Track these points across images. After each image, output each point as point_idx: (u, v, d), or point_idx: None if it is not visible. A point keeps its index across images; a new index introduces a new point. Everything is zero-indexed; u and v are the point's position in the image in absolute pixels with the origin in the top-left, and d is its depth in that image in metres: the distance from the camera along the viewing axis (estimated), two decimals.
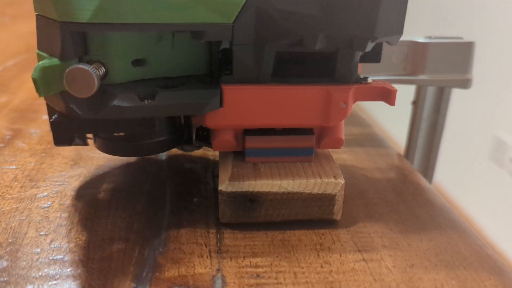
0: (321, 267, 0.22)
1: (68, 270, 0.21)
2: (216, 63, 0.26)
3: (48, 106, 0.25)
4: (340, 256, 0.23)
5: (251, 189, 0.24)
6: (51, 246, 0.23)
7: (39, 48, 0.23)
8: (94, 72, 0.21)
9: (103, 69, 0.22)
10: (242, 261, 0.23)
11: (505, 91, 1.28)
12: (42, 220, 0.25)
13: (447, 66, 0.35)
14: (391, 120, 1.85)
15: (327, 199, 0.25)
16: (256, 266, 0.22)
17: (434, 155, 0.43)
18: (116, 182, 0.30)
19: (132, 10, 0.21)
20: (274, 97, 0.24)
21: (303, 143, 0.26)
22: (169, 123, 0.26)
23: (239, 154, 0.27)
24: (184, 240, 0.24)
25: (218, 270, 0.22)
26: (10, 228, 0.24)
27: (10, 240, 0.23)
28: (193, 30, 0.22)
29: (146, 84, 0.24)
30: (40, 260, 0.22)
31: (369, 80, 0.25)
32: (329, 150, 0.28)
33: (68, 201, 0.27)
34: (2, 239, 0.23)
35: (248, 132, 0.26)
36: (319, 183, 0.25)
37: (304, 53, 0.25)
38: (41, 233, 0.24)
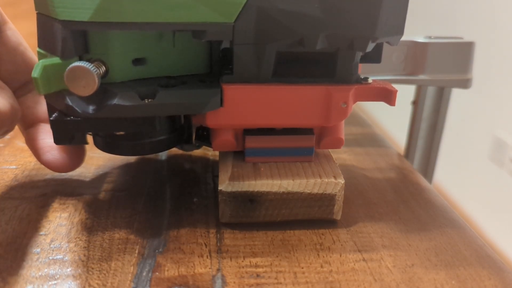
0: (321, 267, 0.22)
1: (68, 270, 0.21)
2: (217, 63, 0.26)
3: (48, 104, 0.25)
4: (340, 256, 0.23)
5: (251, 189, 0.24)
6: (51, 246, 0.23)
7: (39, 46, 0.23)
8: (94, 70, 0.21)
9: (103, 68, 0.22)
10: (242, 261, 0.23)
11: (505, 91, 1.28)
12: (42, 220, 0.25)
13: (447, 66, 0.35)
14: (391, 120, 1.85)
15: (327, 199, 0.25)
16: (256, 266, 0.22)
17: (434, 155, 0.43)
18: (116, 182, 0.30)
19: (133, 9, 0.21)
20: (274, 97, 0.24)
21: (303, 143, 0.26)
22: (169, 122, 0.26)
23: (239, 154, 0.27)
24: (184, 240, 0.24)
25: (218, 270, 0.22)
26: (10, 228, 0.24)
27: (10, 240, 0.23)
28: (194, 29, 0.22)
29: (147, 83, 0.24)
30: (40, 260, 0.22)
31: (370, 80, 0.25)
32: (329, 150, 0.28)
33: (68, 201, 0.27)
34: (2, 239, 0.23)
35: (248, 132, 0.26)
36: (319, 183, 0.25)
37: (304, 53, 0.25)
38: (41, 233, 0.24)
